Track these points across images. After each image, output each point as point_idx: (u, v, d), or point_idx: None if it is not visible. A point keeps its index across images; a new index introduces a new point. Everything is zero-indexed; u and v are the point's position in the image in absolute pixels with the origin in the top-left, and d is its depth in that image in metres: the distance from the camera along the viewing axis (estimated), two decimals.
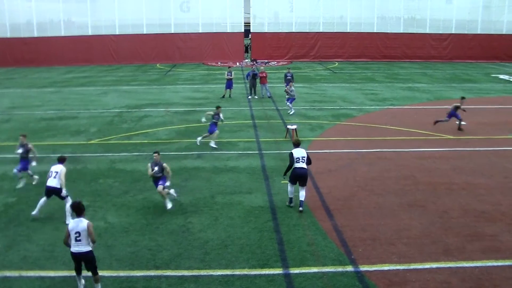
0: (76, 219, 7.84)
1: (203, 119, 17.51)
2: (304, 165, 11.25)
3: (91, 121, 20.90)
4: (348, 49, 44.63)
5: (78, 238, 7.71)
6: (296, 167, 11.25)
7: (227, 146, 16.76)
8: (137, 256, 9.32)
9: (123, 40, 43.14)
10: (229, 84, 26.03)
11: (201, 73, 37.22)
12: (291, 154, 11.38)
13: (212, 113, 16.73)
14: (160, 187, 11.27)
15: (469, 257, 9.22)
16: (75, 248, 7.77)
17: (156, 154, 11.44)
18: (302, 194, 11.28)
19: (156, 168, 11.26)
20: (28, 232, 10.33)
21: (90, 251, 7.83)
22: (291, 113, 21.60)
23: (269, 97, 25.78)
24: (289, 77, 25.28)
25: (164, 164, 11.33)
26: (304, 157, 11.30)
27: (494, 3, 46.05)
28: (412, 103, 24.71)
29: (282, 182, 13.01)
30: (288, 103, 21.78)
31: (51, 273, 8.72)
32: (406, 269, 8.83)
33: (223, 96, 26.09)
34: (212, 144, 16.36)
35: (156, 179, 11.41)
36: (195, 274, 8.69)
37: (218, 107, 16.90)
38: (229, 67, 28.08)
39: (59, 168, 10.92)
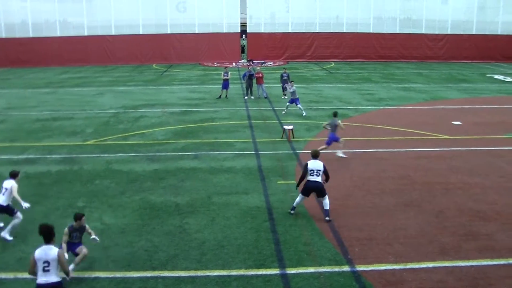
0: (44, 247, 6.92)
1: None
2: (318, 179, 10.68)
3: (87, 121, 20.84)
4: (344, 49, 44.67)
5: (46, 268, 6.84)
6: (309, 180, 10.73)
7: (224, 146, 16.76)
8: (134, 257, 9.30)
9: (119, 41, 43.01)
10: (225, 84, 26.02)
11: (198, 74, 37.18)
12: (306, 165, 10.85)
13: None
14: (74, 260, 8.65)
15: (465, 257, 9.25)
16: (43, 278, 6.87)
17: (81, 219, 8.69)
18: (326, 203, 10.82)
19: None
20: (23, 233, 10.28)
21: (60, 282, 6.97)
22: (303, 114, 21.34)
23: (265, 97, 25.78)
24: (285, 77, 25.26)
25: (87, 226, 8.97)
26: (320, 170, 10.70)
27: (489, 4, 46.23)
28: (408, 103, 24.77)
29: (279, 182, 13.04)
30: (298, 106, 21.48)
31: None
32: (402, 268, 8.85)
33: (220, 97, 26.08)
34: (341, 154, 15.47)
35: (71, 243, 8.75)
36: (191, 274, 8.69)
37: (335, 114, 15.85)
38: (226, 67, 28.08)
39: (10, 184, 10.01)
